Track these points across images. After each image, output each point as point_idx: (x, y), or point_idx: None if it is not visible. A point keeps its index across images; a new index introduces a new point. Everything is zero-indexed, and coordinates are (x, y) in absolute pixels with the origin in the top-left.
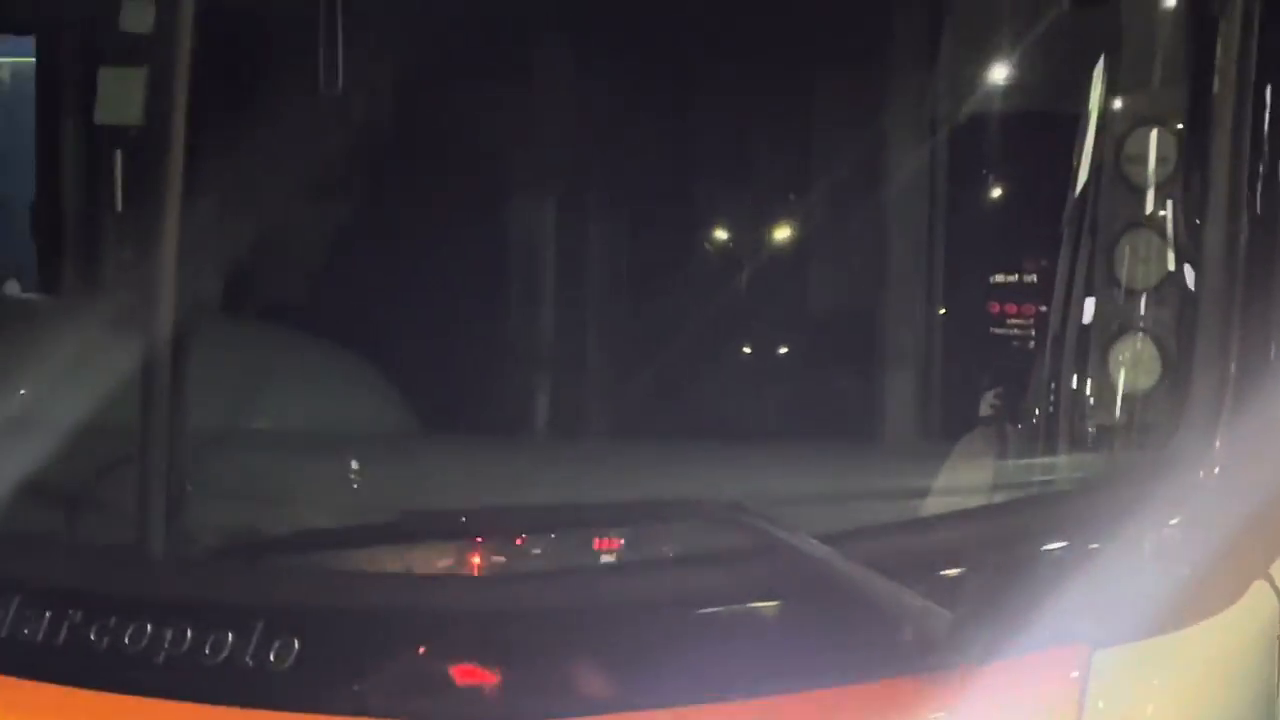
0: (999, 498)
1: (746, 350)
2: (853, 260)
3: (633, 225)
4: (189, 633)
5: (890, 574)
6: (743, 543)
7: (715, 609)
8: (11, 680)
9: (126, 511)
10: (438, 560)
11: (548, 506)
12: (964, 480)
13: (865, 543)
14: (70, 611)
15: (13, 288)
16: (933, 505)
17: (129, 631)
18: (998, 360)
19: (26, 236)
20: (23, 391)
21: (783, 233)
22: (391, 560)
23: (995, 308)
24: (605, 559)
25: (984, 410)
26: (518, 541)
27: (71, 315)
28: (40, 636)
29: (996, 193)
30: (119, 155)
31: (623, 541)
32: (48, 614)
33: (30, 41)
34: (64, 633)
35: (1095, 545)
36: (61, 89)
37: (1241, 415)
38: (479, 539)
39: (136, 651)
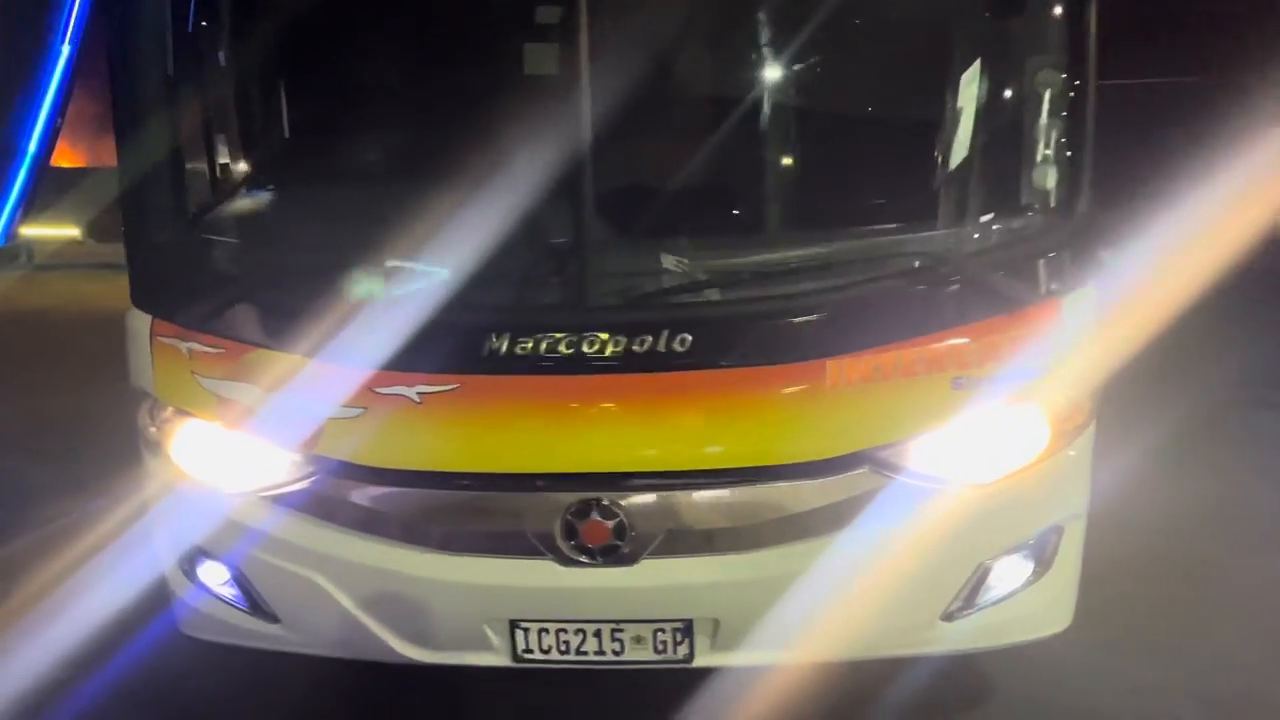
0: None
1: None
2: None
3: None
4: (606, 336)
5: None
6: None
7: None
8: (516, 378)
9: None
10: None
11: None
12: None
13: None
14: (545, 336)
15: None
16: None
17: (575, 341)
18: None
19: None
20: None
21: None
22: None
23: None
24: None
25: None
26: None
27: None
28: (530, 351)
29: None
30: None
31: None
32: (533, 339)
33: None
34: (541, 346)
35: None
36: None
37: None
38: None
39: (578, 353)
